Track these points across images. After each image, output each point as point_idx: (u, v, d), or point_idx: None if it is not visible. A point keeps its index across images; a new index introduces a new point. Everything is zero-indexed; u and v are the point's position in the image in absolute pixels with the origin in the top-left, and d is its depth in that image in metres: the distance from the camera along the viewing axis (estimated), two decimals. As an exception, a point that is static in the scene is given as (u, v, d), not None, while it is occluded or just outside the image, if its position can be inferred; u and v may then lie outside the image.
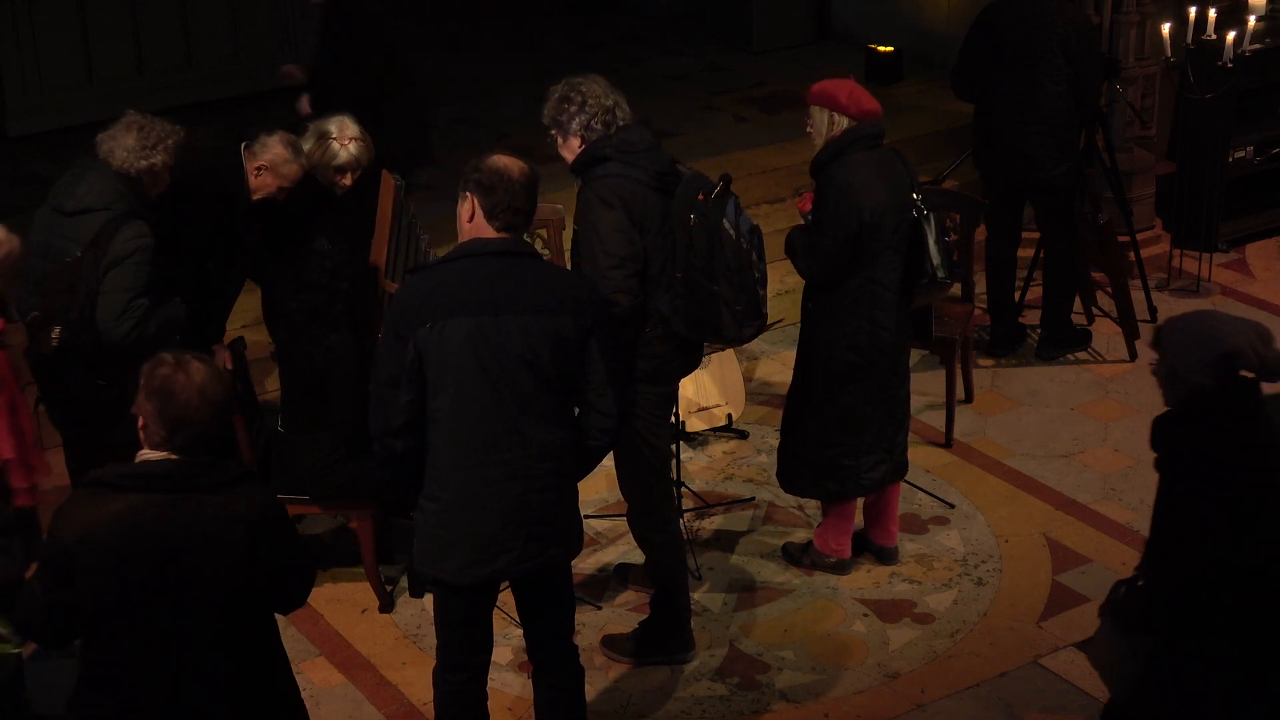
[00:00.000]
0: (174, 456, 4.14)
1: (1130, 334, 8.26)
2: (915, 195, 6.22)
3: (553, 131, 5.87)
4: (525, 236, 5.15)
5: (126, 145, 5.80)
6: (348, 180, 6.41)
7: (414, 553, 5.13)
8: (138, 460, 4.17)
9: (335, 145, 6.36)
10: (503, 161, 4.97)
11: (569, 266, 5.94)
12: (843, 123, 6.13)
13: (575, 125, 5.78)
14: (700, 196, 5.74)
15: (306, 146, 6.36)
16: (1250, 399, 4.45)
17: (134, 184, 5.82)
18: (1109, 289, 8.36)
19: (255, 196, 6.24)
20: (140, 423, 4.17)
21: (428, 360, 4.83)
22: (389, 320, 4.98)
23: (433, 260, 5.36)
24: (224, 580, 4.12)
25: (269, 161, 6.19)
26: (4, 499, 5.34)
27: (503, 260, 4.91)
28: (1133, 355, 8.23)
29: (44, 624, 4.20)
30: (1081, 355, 8.26)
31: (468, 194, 4.96)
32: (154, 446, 4.16)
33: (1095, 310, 8.55)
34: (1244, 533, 4.38)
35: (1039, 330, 8.32)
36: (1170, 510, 4.49)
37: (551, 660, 5.31)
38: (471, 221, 4.96)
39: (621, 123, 5.81)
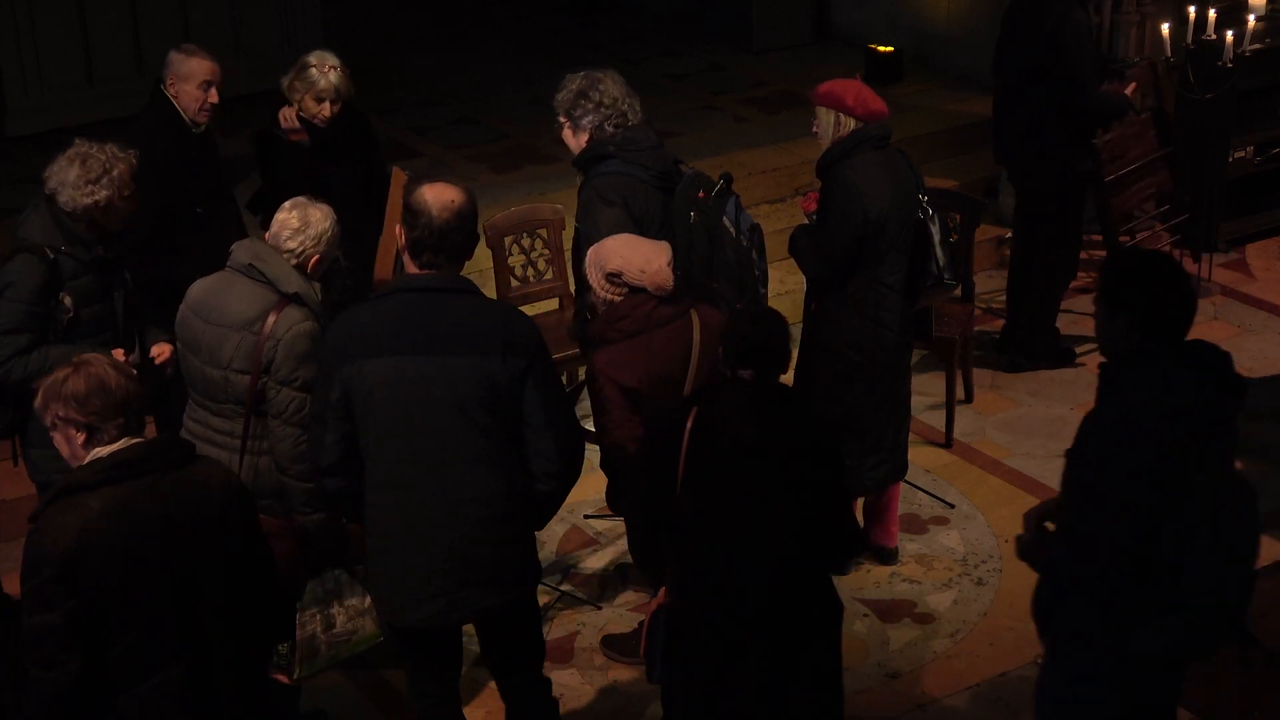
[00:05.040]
0: (135, 440, 4.17)
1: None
2: (921, 196, 6.22)
3: (561, 119, 5.85)
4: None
5: (68, 181, 5.48)
6: (326, 111, 6.38)
7: None
8: (95, 460, 4.15)
9: (314, 72, 6.35)
10: (427, 196, 4.63)
11: (569, 265, 5.94)
12: (849, 124, 6.10)
13: (587, 122, 5.78)
14: (701, 195, 5.75)
15: (286, 80, 6.38)
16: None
17: (75, 220, 5.51)
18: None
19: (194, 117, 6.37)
20: (79, 437, 4.14)
21: (354, 399, 4.64)
22: (319, 357, 4.83)
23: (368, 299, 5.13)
24: (219, 546, 4.20)
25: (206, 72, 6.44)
26: None
27: (432, 297, 4.65)
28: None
29: (69, 638, 4.04)
30: (1081, 355, 8.24)
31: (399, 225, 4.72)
32: (109, 443, 4.15)
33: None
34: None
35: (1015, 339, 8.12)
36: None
37: (519, 696, 5.15)
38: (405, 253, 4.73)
39: (631, 123, 5.82)
